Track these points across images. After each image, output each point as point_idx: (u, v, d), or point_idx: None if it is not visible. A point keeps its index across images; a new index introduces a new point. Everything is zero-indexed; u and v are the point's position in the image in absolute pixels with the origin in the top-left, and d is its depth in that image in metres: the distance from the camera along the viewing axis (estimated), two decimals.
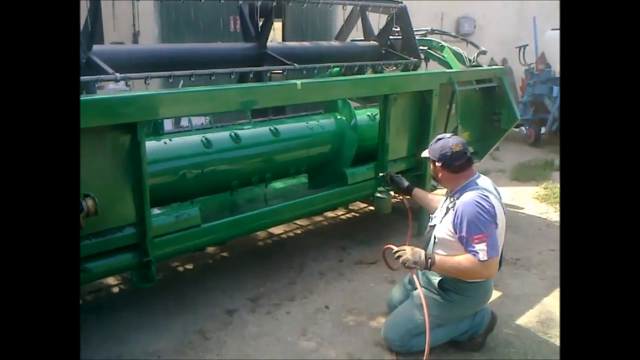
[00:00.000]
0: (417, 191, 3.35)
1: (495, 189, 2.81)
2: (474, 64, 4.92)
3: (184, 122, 4.80)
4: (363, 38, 5.16)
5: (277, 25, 8.26)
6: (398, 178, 3.46)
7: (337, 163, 4.07)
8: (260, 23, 4.28)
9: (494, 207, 2.62)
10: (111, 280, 3.61)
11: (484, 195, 2.65)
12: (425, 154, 2.94)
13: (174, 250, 3.10)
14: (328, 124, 4.12)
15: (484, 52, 5.09)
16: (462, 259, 2.60)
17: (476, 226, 2.57)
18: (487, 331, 2.93)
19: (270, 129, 3.74)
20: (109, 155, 2.69)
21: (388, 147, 3.97)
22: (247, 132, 3.68)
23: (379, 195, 3.57)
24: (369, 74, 4.60)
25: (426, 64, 5.27)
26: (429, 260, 2.60)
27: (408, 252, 2.63)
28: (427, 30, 5.46)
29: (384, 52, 5.03)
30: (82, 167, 2.53)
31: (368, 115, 4.37)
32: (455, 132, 4.39)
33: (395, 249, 2.69)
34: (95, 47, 3.37)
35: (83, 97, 2.86)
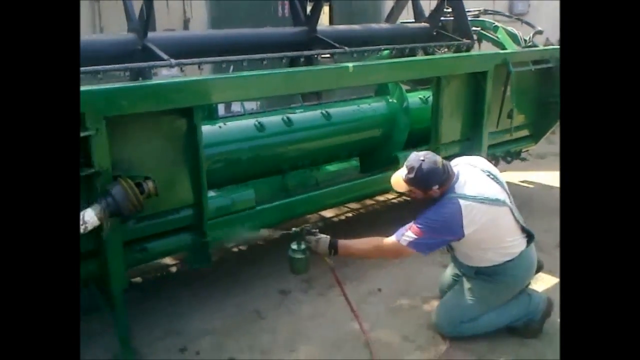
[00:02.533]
0: (343, 246, 2.74)
1: (487, 173, 2.74)
2: (529, 44, 4.76)
3: (235, 107, 4.87)
4: (414, 20, 5.08)
5: (324, 9, 8.20)
6: (314, 238, 2.73)
7: (388, 146, 4.05)
8: (310, 7, 4.27)
9: (452, 222, 2.57)
10: (169, 260, 3.73)
11: (452, 205, 2.58)
12: (403, 187, 2.72)
13: (229, 231, 3.16)
14: (380, 107, 4.10)
15: (539, 32, 4.91)
16: (374, 238, 2.77)
17: (422, 224, 2.60)
18: (544, 317, 2.86)
19: (321, 113, 3.76)
20: (167, 139, 2.76)
21: (441, 131, 3.92)
22: (299, 116, 3.71)
23: (294, 255, 2.74)
24: (420, 56, 4.54)
25: (479, 46, 5.14)
26: (332, 249, 2.70)
27: (313, 243, 2.72)
28: (480, 10, 5.31)
29: (435, 33, 4.92)
30: (142, 150, 2.65)
31: (420, 98, 4.32)
32: (510, 115, 4.30)
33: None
34: (150, 34, 3.45)
35: (142, 83, 2.96)
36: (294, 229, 2.77)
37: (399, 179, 2.73)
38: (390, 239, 2.71)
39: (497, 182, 2.74)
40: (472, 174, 2.73)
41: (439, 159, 2.66)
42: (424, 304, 3.19)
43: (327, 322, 3.03)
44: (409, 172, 2.65)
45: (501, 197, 2.68)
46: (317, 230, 2.79)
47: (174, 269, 3.70)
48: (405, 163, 2.71)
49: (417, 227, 2.62)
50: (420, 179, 2.62)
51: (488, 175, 2.75)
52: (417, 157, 2.66)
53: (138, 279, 3.50)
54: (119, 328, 2.72)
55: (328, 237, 2.75)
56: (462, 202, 2.58)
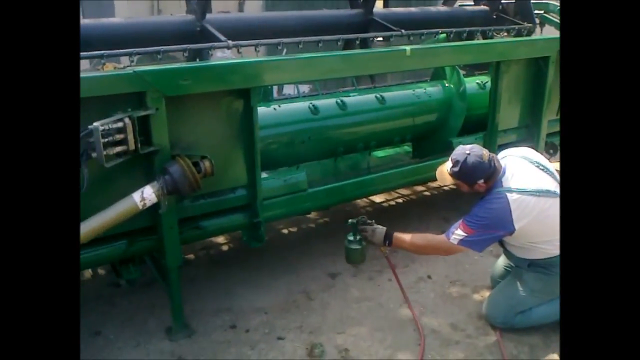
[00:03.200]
0: (397, 238, 2.76)
1: (536, 164, 2.66)
2: None
3: (287, 90, 4.89)
4: (472, 3, 4.94)
5: None
6: (370, 228, 2.79)
7: (443, 132, 3.98)
8: None
9: (501, 217, 2.52)
10: (221, 239, 3.81)
11: (500, 200, 2.53)
12: (447, 180, 2.72)
13: (281, 212, 3.20)
14: (435, 91, 4.02)
15: None
16: (427, 235, 2.82)
17: (471, 221, 2.58)
18: None
19: (376, 97, 3.72)
20: (224, 119, 2.79)
21: (498, 117, 3.82)
22: (353, 99, 3.68)
23: (350, 246, 2.84)
24: (478, 40, 4.42)
25: (541, 29, 4.95)
26: (387, 241, 2.74)
27: (369, 232, 2.77)
28: None
29: (495, 17, 4.78)
30: (199, 130, 2.69)
31: (478, 83, 4.21)
32: None
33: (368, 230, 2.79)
34: (208, 16, 3.49)
35: (203, 64, 3.00)
36: (350, 220, 2.83)
37: (443, 171, 2.71)
38: (442, 237, 2.69)
39: (548, 173, 2.66)
40: (520, 166, 2.66)
41: (485, 152, 2.61)
42: (474, 293, 3.15)
43: (375, 306, 3.03)
44: (453, 166, 2.62)
45: (552, 187, 2.60)
46: (373, 221, 2.84)
47: (225, 247, 3.78)
48: (450, 156, 2.68)
49: (467, 224, 2.58)
50: (465, 172, 2.58)
51: (537, 167, 2.67)
52: (463, 150, 2.62)
53: (192, 256, 3.59)
54: (173, 303, 2.80)
55: (384, 228, 2.79)
56: (509, 195, 2.53)
